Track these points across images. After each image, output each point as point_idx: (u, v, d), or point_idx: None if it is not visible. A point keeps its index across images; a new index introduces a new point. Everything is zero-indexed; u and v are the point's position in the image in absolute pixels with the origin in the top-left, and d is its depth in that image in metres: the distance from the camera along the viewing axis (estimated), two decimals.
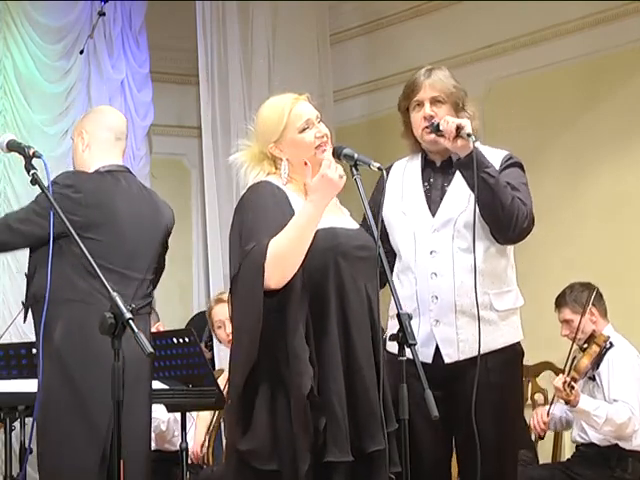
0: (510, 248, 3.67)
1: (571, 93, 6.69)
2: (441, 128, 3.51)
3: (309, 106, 3.36)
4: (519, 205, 3.50)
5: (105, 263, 3.58)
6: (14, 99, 7.19)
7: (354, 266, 3.24)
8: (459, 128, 3.47)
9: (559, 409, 5.24)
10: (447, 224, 3.55)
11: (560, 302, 5.36)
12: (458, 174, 3.59)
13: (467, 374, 3.46)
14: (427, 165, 3.67)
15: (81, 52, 7.22)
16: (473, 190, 3.47)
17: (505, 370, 3.56)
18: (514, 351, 3.62)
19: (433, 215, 3.58)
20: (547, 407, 5.19)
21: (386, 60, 7.57)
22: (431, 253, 3.55)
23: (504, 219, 3.48)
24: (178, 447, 4.90)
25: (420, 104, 3.63)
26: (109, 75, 7.40)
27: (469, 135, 3.47)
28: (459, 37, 7.16)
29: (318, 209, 3.14)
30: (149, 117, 7.60)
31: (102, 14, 7.10)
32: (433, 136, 3.58)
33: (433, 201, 3.61)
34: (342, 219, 3.36)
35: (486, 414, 3.45)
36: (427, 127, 3.59)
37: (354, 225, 3.37)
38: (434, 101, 3.62)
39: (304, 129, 3.31)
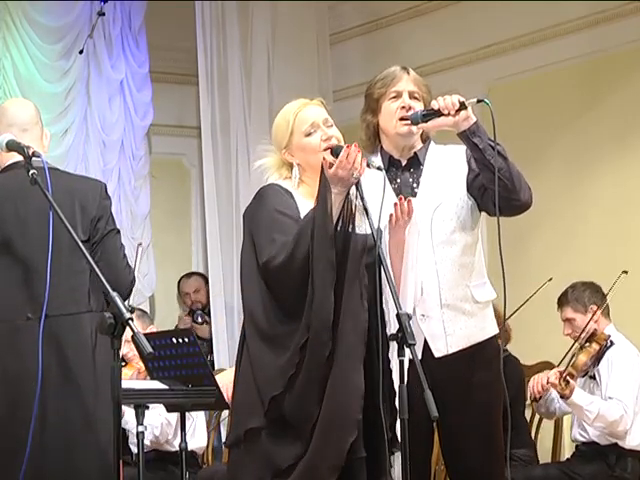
0: (480, 241, 3.66)
1: (571, 93, 6.68)
2: (437, 107, 3.46)
3: (317, 110, 3.38)
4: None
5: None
6: None
7: (353, 271, 3.23)
8: (461, 101, 3.43)
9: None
10: (424, 220, 3.55)
11: (562, 301, 5.37)
12: (426, 170, 3.60)
13: (456, 367, 3.49)
14: (391, 164, 3.66)
15: (80, 52, 7.22)
16: (484, 158, 3.43)
17: (490, 368, 3.57)
18: (494, 346, 3.64)
19: None
20: (548, 374, 5.12)
21: (386, 60, 7.49)
22: None
23: (517, 183, 3.48)
24: (177, 447, 4.89)
25: (398, 95, 3.62)
26: (108, 75, 7.39)
27: (480, 101, 3.45)
28: (459, 37, 7.15)
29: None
30: (148, 117, 7.60)
31: (102, 14, 7.10)
32: (407, 128, 3.56)
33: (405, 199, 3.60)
34: None
35: (474, 411, 3.50)
36: (404, 118, 3.57)
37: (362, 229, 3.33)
38: (411, 96, 3.62)
39: (309, 133, 3.34)
